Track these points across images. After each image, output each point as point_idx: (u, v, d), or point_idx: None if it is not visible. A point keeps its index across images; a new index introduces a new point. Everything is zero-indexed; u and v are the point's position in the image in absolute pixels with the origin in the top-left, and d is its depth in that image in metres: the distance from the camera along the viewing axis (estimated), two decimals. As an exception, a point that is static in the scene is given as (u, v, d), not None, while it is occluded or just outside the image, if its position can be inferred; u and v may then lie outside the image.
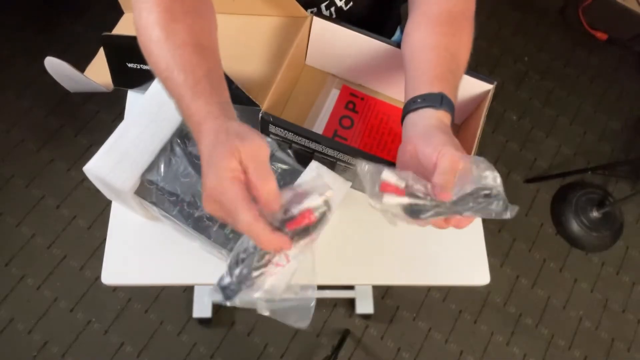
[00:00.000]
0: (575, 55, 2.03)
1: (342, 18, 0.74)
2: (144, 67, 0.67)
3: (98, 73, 0.75)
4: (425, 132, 0.51)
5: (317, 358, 1.44)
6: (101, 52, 0.76)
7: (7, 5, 1.80)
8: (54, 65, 0.69)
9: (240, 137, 0.41)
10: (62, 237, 1.50)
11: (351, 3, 0.75)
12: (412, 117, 0.54)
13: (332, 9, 0.75)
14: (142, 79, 0.71)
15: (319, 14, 0.71)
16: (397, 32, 1.02)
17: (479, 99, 0.71)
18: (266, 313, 0.43)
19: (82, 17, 1.82)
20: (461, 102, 0.71)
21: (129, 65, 0.68)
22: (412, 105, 0.55)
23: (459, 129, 0.77)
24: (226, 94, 0.49)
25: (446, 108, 0.53)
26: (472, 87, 0.67)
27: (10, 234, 1.49)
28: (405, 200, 0.45)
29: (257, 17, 0.76)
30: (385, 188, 0.45)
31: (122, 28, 0.81)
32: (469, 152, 0.65)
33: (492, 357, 1.51)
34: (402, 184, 0.45)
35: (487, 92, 0.68)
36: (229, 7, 0.75)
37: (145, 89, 0.65)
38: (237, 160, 0.40)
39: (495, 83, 0.67)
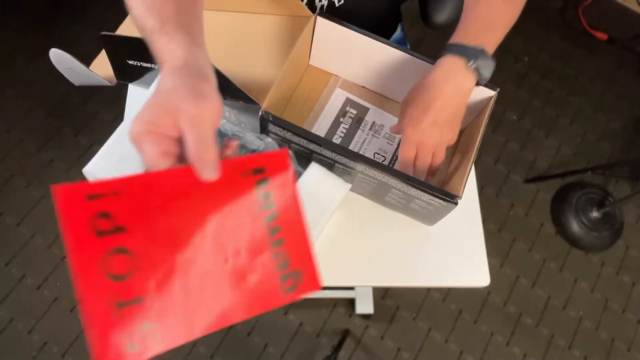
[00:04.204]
0: (575, 55, 2.03)
1: (338, 13, 0.73)
2: (144, 64, 0.68)
3: (102, 69, 0.75)
4: None
5: (317, 358, 1.44)
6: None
7: (7, 5, 1.80)
8: (59, 57, 0.69)
9: (189, 96, 0.38)
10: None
11: None
12: None
13: (325, 2, 0.75)
14: (143, 73, 0.71)
15: (324, 13, 0.70)
16: (399, 30, 1.02)
17: (481, 105, 0.70)
18: None
19: (82, 16, 1.82)
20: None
21: (130, 62, 0.68)
22: None
23: (461, 133, 0.77)
24: (197, 33, 0.46)
25: (449, 53, 0.60)
26: (475, 93, 0.68)
27: (10, 234, 1.49)
28: None
29: (261, 15, 0.75)
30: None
31: (128, 25, 0.81)
32: (469, 155, 0.65)
33: (492, 357, 1.51)
34: None
35: (490, 98, 0.68)
36: (232, 5, 0.75)
37: (147, 82, 0.65)
38: (172, 119, 0.37)
39: (498, 90, 0.67)
